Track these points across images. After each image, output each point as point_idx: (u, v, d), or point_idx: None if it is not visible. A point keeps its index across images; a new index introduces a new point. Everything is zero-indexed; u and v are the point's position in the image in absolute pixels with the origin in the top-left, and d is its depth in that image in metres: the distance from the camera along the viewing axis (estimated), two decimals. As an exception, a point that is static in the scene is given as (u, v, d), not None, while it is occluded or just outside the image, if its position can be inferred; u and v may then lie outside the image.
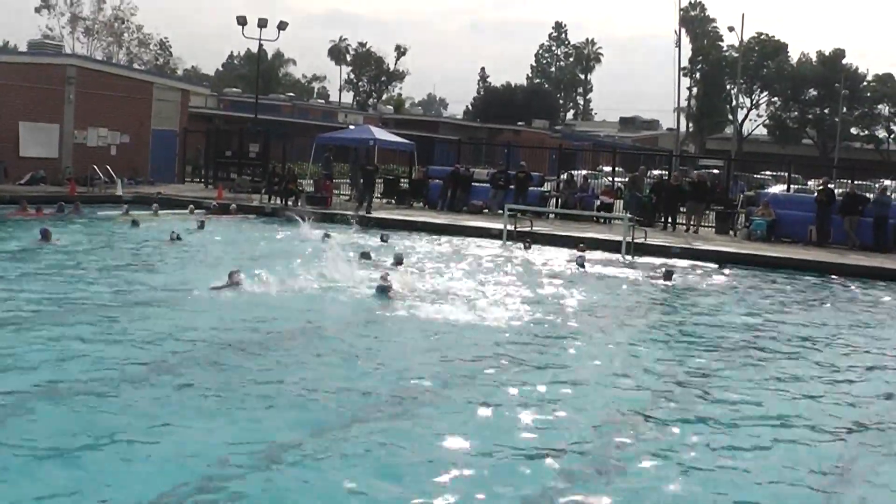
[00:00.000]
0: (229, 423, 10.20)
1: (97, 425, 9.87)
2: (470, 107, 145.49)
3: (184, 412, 10.53)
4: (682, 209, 37.58)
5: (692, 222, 36.69)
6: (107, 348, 13.08)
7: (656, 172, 46.95)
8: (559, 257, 27.29)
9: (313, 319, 16.13)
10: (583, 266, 25.12)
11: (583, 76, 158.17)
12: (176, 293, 17.77)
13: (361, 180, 39.03)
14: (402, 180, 45.20)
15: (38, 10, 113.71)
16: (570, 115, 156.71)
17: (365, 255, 23.83)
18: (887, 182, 45.21)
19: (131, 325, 14.77)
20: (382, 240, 28.08)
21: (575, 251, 27.39)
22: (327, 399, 11.27)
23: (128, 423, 9.99)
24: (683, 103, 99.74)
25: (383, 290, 18.41)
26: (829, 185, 36.20)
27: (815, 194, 35.42)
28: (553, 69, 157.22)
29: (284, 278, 19.09)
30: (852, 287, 25.46)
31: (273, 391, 11.54)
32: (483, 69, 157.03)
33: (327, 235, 27.64)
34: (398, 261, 23.51)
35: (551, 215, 38.45)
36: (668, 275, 24.06)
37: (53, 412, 10.30)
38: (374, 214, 35.61)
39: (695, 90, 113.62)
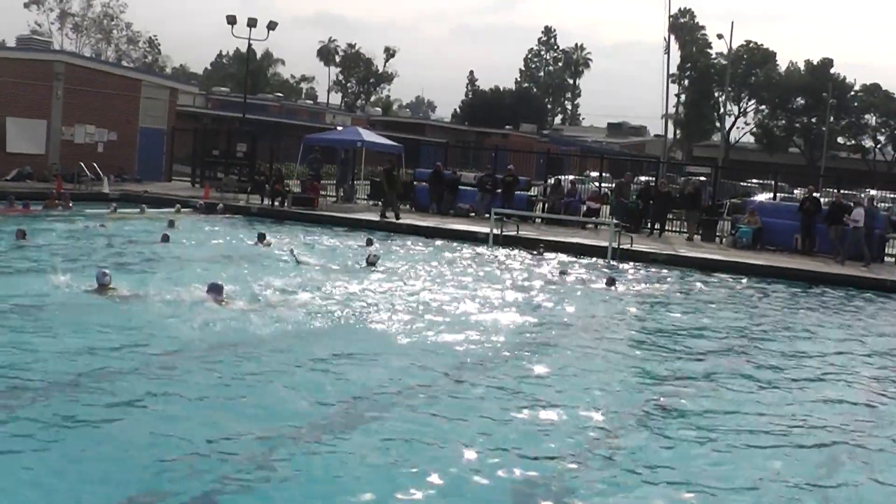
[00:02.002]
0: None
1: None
2: (458, 110, 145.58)
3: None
4: (669, 216, 37.71)
5: (687, 230, 36.83)
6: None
7: (643, 178, 46.94)
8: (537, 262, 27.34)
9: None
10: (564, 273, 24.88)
11: (571, 81, 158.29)
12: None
13: (385, 184, 38.52)
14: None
15: (27, 5, 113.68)
16: (558, 119, 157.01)
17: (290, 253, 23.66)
18: (873, 192, 45.29)
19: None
20: (368, 244, 27.76)
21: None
22: (290, 409, 11.18)
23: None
24: (671, 110, 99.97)
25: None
26: (815, 194, 36.19)
27: (800, 202, 35.48)
28: (542, 74, 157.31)
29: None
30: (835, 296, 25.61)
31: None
32: (472, 73, 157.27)
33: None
34: (372, 262, 23.59)
35: (538, 220, 38.48)
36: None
37: None
38: (361, 216, 35.58)
39: (683, 97, 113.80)
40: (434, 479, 9.10)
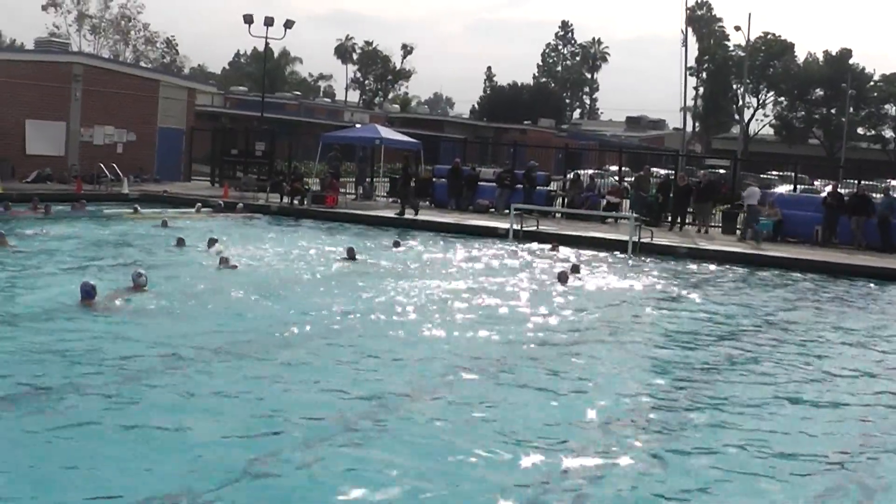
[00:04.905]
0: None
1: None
2: (476, 106, 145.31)
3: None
4: (689, 209, 37.60)
5: (700, 223, 36.70)
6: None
7: (662, 172, 46.82)
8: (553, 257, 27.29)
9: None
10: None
11: (589, 75, 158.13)
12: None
13: (401, 180, 38.60)
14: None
15: (44, 7, 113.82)
16: (576, 114, 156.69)
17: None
18: (894, 182, 45.11)
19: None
20: (395, 245, 27.62)
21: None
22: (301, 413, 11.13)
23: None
24: (690, 103, 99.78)
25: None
26: (839, 189, 36.10)
27: (824, 197, 35.32)
28: (559, 68, 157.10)
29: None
30: (860, 287, 25.47)
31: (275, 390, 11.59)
32: (489, 68, 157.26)
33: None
34: (351, 255, 23.69)
35: (557, 215, 38.42)
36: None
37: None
38: (380, 213, 35.61)
39: (701, 90, 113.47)
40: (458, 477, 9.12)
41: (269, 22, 51.04)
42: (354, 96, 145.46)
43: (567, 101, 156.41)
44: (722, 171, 52.72)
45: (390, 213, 35.75)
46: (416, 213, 35.70)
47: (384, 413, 10.92)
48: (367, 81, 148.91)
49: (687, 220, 37.64)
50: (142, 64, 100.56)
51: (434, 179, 42.89)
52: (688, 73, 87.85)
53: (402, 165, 39.04)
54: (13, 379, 11.36)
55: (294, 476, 8.90)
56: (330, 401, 11.23)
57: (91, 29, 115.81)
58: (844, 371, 14.81)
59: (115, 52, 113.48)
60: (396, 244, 27.41)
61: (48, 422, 9.87)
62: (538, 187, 39.97)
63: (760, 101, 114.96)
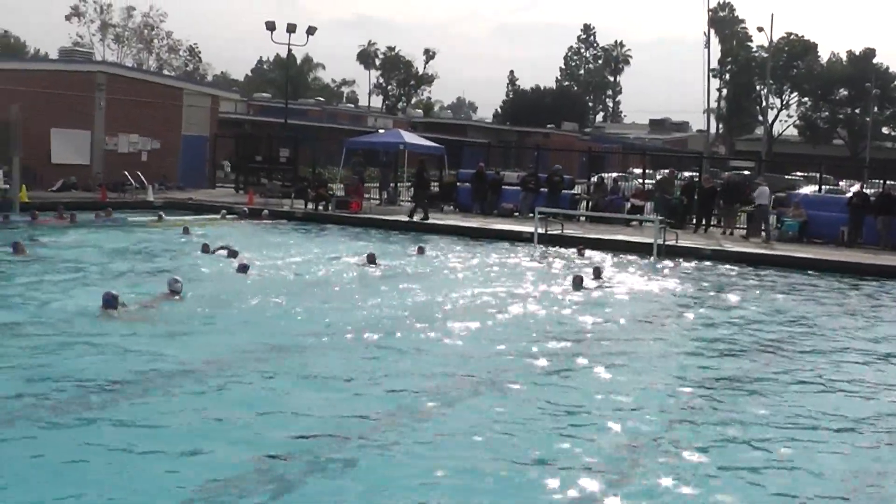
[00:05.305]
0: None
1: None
2: (499, 110, 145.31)
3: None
4: (714, 211, 37.50)
5: (724, 224, 36.61)
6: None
7: (686, 174, 46.72)
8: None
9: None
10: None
11: (612, 78, 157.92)
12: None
13: (415, 184, 38.71)
14: (433, 184, 45.16)
15: (68, 17, 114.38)
16: (599, 117, 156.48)
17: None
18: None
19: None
20: (419, 252, 27.41)
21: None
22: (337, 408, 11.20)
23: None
24: (713, 105, 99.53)
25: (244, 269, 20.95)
26: (864, 189, 35.99)
27: (849, 197, 35.20)
28: (582, 72, 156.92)
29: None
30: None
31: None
32: (512, 72, 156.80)
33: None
34: (371, 260, 23.72)
35: (582, 218, 38.39)
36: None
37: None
38: (404, 219, 35.61)
39: (724, 91, 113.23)
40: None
41: (291, 29, 51.20)
42: (377, 102, 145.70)
43: (590, 104, 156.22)
44: (746, 172, 52.56)
45: (413, 218, 35.72)
46: (426, 218, 35.70)
47: (406, 420, 10.89)
48: (389, 87, 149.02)
49: (712, 222, 37.51)
50: (165, 72, 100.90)
51: (458, 184, 42.89)
52: (711, 74, 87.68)
53: (416, 170, 39.11)
54: (36, 388, 11.37)
55: (318, 483, 8.89)
56: (352, 408, 11.19)
57: (114, 38, 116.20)
58: (880, 374, 14.73)
59: (139, 60, 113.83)
60: (421, 250, 27.34)
61: (72, 431, 9.88)
62: (563, 191, 39.91)
63: (784, 102, 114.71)
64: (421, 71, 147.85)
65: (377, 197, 43.98)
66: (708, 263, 28.29)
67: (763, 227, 34.87)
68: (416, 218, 35.63)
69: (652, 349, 15.51)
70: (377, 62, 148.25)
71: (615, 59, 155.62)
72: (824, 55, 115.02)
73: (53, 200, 34.40)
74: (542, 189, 39.49)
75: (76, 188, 40.10)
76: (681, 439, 10.57)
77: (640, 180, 44.13)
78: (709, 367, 14.44)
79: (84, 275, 20.35)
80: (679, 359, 15.02)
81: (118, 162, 42.51)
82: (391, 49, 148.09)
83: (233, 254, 23.03)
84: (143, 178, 40.75)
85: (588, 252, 28.80)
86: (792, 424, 11.43)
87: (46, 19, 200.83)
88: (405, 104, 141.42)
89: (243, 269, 21.02)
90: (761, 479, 9.48)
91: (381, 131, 61.40)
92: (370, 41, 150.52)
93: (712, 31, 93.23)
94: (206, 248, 24.16)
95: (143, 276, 20.52)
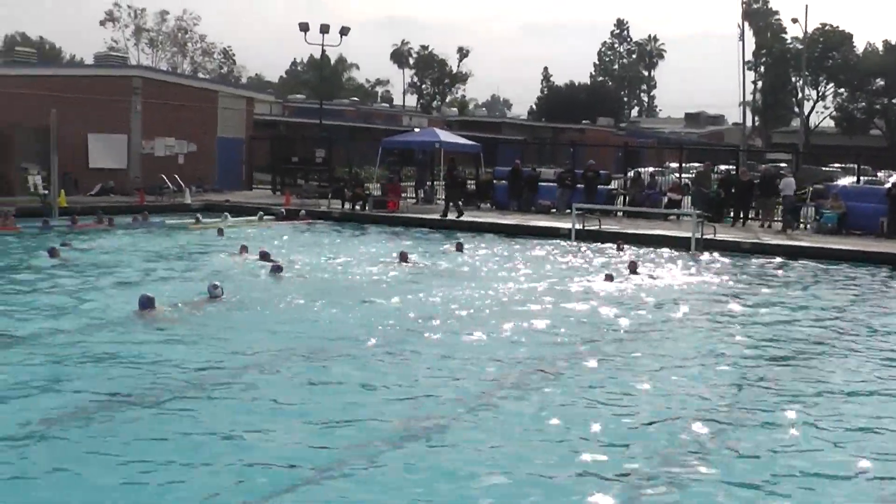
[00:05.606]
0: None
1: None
2: (534, 107, 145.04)
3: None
4: (752, 204, 37.31)
5: (762, 217, 36.42)
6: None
7: (723, 168, 46.46)
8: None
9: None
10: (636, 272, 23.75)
11: (646, 73, 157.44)
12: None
13: (447, 185, 38.82)
14: (469, 182, 45.14)
15: (102, 23, 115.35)
16: (634, 112, 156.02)
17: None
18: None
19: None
20: (458, 248, 27.43)
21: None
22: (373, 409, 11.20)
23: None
24: (749, 97, 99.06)
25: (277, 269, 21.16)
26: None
27: (888, 188, 34.96)
28: (616, 67, 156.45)
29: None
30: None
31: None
32: (546, 69, 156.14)
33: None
34: (404, 258, 23.79)
35: (619, 213, 38.28)
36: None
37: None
38: (442, 217, 35.65)
39: (759, 84, 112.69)
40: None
41: (324, 29, 51.35)
42: (412, 101, 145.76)
43: (625, 99, 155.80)
44: (783, 165, 52.22)
45: (451, 216, 35.74)
46: (460, 216, 35.75)
47: (448, 420, 10.86)
48: (424, 86, 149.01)
49: (749, 216, 37.33)
50: (200, 75, 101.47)
51: (494, 181, 42.88)
52: (746, 67, 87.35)
53: (447, 168, 39.15)
54: (76, 387, 11.51)
55: (361, 483, 8.88)
56: (393, 407, 11.20)
57: (148, 42, 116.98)
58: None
59: (173, 64, 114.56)
60: (459, 247, 27.33)
61: (115, 433, 9.95)
62: (599, 186, 39.83)
63: (820, 94, 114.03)
64: (455, 69, 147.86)
65: (414, 196, 43.98)
66: (746, 257, 28.17)
67: (789, 219, 34.66)
68: (450, 216, 35.65)
69: (693, 345, 15.42)
70: (411, 61, 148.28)
71: (649, 53, 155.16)
72: (860, 45, 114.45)
73: (92, 205, 34.68)
74: (578, 185, 39.41)
75: (114, 192, 40.31)
76: (728, 439, 10.51)
77: (677, 174, 43.99)
78: (749, 365, 14.27)
79: (121, 277, 20.52)
80: (720, 356, 14.74)
81: (155, 165, 42.74)
82: (424, 48, 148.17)
83: (264, 256, 23.10)
84: (181, 181, 40.94)
85: (626, 247, 28.76)
86: (842, 427, 11.12)
87: (81, 25, 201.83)
88: (440, 103, 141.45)
89: (276, 270, 21.12)
90: (816, 485, 9.34)
91: (416, 130, 61.43)
92: (403, 40, 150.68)
93: (746, 24, 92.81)
94: (243, 251, 24.17)
95: (179, 278, 20.68)
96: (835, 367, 14.19)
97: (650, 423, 10.81)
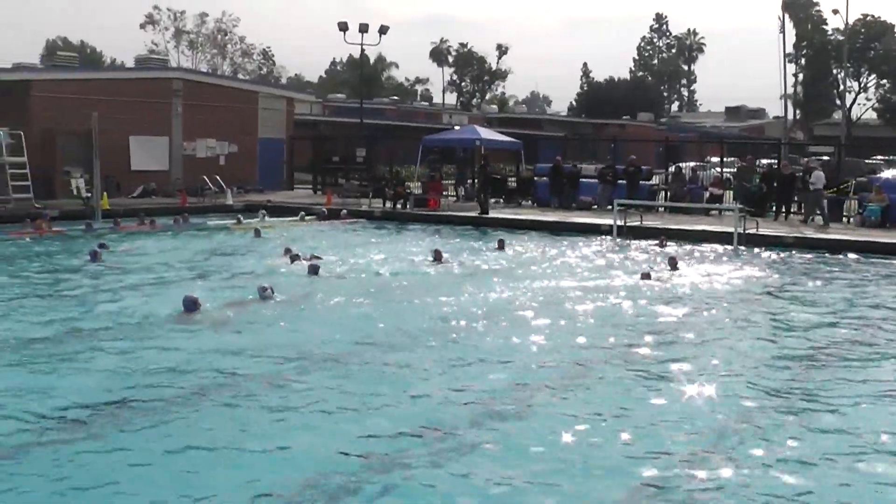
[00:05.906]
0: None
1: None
2: (573, 103, 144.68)
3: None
4: (795, 198, 37.10)
5: (804, 212, 36.19)
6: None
7: (765, 161, 46.22)
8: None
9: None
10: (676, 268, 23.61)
11: (686, 67, 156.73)
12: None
13: (480, 182, 38.98)
14: (510, 179, 45.14)
15: (142, 26, 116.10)
16: (674, 106, 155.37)
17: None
18: None
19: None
20: (500, 246, 27.39)
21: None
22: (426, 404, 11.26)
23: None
24: (790, 90, 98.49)
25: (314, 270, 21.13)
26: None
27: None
28: (655, 61, 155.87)
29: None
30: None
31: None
32: (585, 64, 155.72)
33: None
34: (437, 257, 23.84)
35: (661, 209, 38.17)
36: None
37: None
38: (484, 215, 35.69)
39: (800, 76, 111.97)
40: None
41: (363, 29, 51.45)
42: (451, 99, 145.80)
43: (665, 93, 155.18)
44: (825, 157, 51.94)
45: (493, 214, 35.80)
46: (486, 213, 35.99)
47: (491, 419, 10.80)
48: (463, 83, 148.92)
49: (791, 209, 37.11)
50: (240, 76, 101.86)
51: (535, 178, 42.85)
52: (786, 59, 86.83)
53: (479, 166, 39.21)
54: (117, 388, 11.54)
55: (403, 486, 8.85)
56: (434, 407, 11.19)
57: (188, 44, 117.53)
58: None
59: (213, 65, 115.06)
60: (501, 244, 27.30)
61: (152, 434, 10.00)
62: (641, 182, 39.70)
63: (862, 85, 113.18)
64: (494, 67, 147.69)
65: (454, 194, 43.99)
66: (789, 251, 28.00)
67: (818, 212, 34.47)
68: (475, 213, 35.80)
69: (737, 343, 15.26)
70: (450, 59, 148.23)
71: (688, 47, 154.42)
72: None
73: (134, 207, 34.95)
74: (619, 181, 39.32)
75: (156, 194, 40.58)
76: (773, 445, 10.33)
77: (718, 169, 43.81)
78: (798, 356, 14.29)
79: (163, 279, 20.69)
80: (765, 353, 14.62)
81: (196, 167, 42.95)
82: (463, 46, 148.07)
83: (297, 257, 23.19)
84: (222, 182, 41.11)
85: (669, 242, 28.67)
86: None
87: (121, 28, 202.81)
88: (479, 100, 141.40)
89: (313, 270, 21.15)
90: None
91: (456, 128, 61.45)
92: (442, 38, 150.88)
93: (786, 16, 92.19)
94: (288, 252, 24.20)
95: (220, 279, 20.78)
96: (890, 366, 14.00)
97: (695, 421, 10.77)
